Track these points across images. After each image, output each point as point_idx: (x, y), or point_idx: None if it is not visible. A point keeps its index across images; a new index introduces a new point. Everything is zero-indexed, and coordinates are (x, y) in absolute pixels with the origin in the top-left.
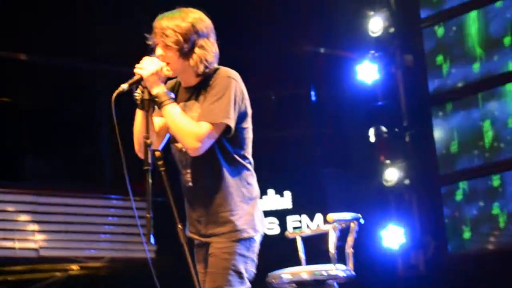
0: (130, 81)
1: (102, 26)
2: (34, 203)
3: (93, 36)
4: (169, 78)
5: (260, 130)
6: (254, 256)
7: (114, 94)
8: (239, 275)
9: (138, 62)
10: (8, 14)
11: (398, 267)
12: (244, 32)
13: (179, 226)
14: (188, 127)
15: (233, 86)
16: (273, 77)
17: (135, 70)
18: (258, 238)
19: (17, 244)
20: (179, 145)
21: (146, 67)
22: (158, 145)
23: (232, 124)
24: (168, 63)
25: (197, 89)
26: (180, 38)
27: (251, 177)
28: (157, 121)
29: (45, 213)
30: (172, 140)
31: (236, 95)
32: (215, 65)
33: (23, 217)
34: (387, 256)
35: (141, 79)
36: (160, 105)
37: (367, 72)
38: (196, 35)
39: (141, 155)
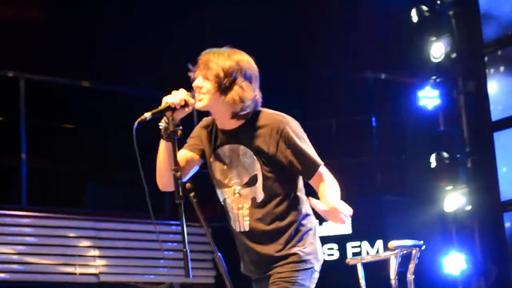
0: (154, 110)
1: (166, 56)
2: (95, 229)
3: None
4: (203, 115)
5: (320, 156)
6: (313, 286)
7: (136, 123)
8: None
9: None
10: (71, 42)
11: None
12: (305, 59)
13: (216, 255)
14: (336, 188)
15: (297, 130)
16: (334, 103)
17: (164, 99)
18: (318, 268)
19: (78, 270)
20: (230, 190)
21: (174, 97)
22: (184, 177)
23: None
24: (203, 94)
25: (242, 132)
26: (221, 73)
27: (309, 207)
28: (182, 154)
29: (106, 238)
30: (220, 185)
31: (302, 133)
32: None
33: (84, 243)
34: (448, 282)
35: (166, 109)
36: None
37: (429, 98)
38: (238, 73)
39: (161, 187)
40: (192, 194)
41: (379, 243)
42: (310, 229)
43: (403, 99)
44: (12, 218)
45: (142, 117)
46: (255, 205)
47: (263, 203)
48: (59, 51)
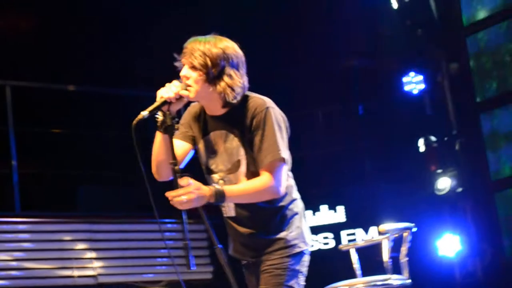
0: (151, 107)
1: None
2: (90, 231)
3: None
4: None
5: (310, 147)
6: (305, 270)
7: (134, 122)
8: None
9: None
10: (54, 48)
11: (455, 275)
12: (288, 49)
13: (217, 247)
14: (259, 188)
15: (273, 116)
16: (319, 93)
17: (159, 93)
18: (308, 251)
19: (76, 272)
20: (216, 176)
21: (169, 90)
22: (180, 166)
23: (286, 154)
24: (191, 86)
25: (228, 118)
26: (209, 62)
27: (295, 191)
28: (176, 145)
29: (101, 240)
30: (207, 171)
31: (279, 122)
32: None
33: (80, 246)
34: (444, 264)
35: (162, 104)
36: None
37: (413, 83)
38: (226, 62)
39: (158, 177)
40: None
41: (373, 229)
42: (296, 213)
43: (388, 86)
44: (7, 225)
45: (140, 116)
46: None
47: None
48: (43, 57)
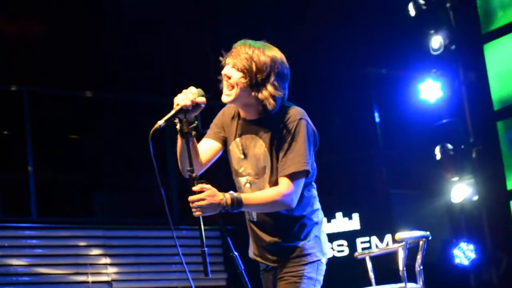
0: (167, 116)
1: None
2: (105, 237)
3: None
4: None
5: (326, 154)
6: (321, 279)
7: (151, 132)
8: None
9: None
10: (71, 54)
11: (470, 283)
12: (304, 57)
13: (233, 254)
14: (274, 198)
15: (305, 128)
16: (335, 100)
17: (175, 100)
18: (325, 261)
19: (90, 278)
20: (244, 179)
21: (185, 98)
22: (201, 170)
23: (310, 167)
24: (233, 88)
25: (260, 124)
26: (254, 67)
27: (317, 202)
28: (206, 144)
29: (116, 246)
30: (235, 173)
31: (310, 135)
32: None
33: (95, 252)
34: (459, 272)
35: (179, 112)
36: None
37: (430, 90)
38: (272, 71)
39: (184, 175)
40: None
41: (388, 237)
42: (316, 223)
43: (405, 93)
44: (23, 231)
45: (156, 125)
46: None
47: None
48: (60, 62)
